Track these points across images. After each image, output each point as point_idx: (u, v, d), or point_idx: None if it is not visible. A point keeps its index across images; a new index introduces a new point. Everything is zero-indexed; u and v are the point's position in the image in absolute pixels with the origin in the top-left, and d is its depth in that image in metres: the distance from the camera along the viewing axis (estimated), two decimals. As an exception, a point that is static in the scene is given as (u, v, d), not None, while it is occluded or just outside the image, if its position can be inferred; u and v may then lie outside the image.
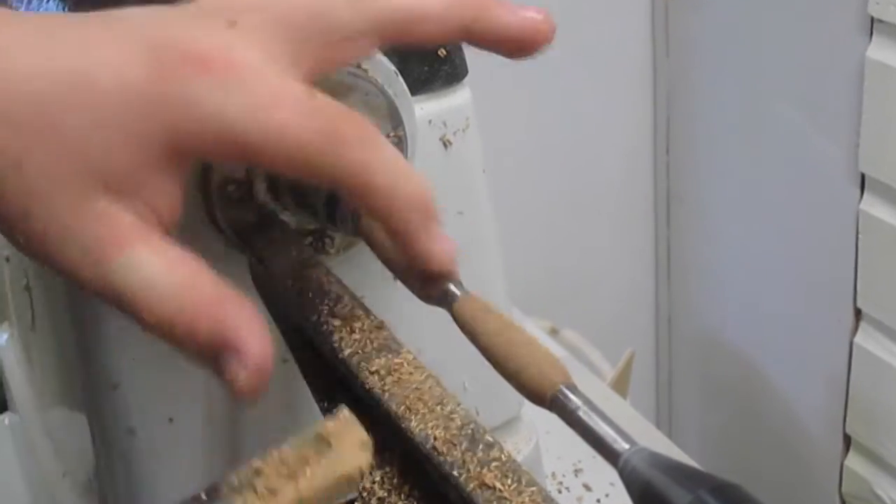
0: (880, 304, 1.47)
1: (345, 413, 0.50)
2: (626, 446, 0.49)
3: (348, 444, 0.50)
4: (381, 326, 0.62)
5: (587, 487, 1.08)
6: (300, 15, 0.54)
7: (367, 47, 0.57)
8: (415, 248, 0.56)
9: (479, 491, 0.53)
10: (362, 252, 0.74)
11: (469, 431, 0.56)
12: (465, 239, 0.80)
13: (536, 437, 0.92)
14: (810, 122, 1.50)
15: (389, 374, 0.59)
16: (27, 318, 1.03)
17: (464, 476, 0.54)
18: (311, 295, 0.64)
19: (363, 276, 0.76)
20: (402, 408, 0.58)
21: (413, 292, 0.62)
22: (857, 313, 1.50)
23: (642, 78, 1.81)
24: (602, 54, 1.77)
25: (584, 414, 0.51)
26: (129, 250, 0.50)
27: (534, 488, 0.53)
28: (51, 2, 0.73)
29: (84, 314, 0.72)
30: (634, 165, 1.87)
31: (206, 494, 0.48)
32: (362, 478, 0.50)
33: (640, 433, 1.01)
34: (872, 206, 1.42)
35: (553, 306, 1.81)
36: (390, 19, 0.57)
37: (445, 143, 0.78)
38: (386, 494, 0.60)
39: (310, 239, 0.71)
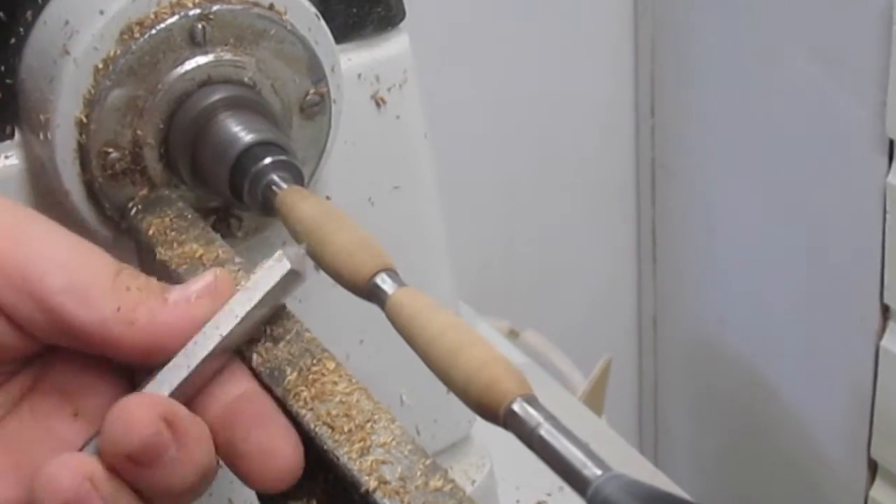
0: (911, 299, 1.48)
1: None
2: (598, 472, 0.49)
3: None
4: (298, 326, 0.62)
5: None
6: None
7: None
8: None
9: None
10: (276, 235, 0.74)
11: (406, 455, 0.56)
12: (403, 219, 0.81)
13: (490, 463, 0.92)
14: (828, 78, 1.51)
15: (308, 385, 0.59)
16: None
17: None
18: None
19: (277, 264, 0.77)
20: (324, 426, 0.58)
21: (340, 283, 0.63)
22: (885, 311, 1.52)
23: (621, 22, 1.82)
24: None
25: (547, 433, 0.51)
26: None
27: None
28: None
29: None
30: (611, 130, 1.88)
31: None
32: None
33: (619, 457, 1.02)
34: (903, 179, 1.43)
35: (512, 303, 1.81)
36: None
37: (378, 102, 0.78)
38: (307, 530, 0.60)
39: (212, 219, 0.72)
